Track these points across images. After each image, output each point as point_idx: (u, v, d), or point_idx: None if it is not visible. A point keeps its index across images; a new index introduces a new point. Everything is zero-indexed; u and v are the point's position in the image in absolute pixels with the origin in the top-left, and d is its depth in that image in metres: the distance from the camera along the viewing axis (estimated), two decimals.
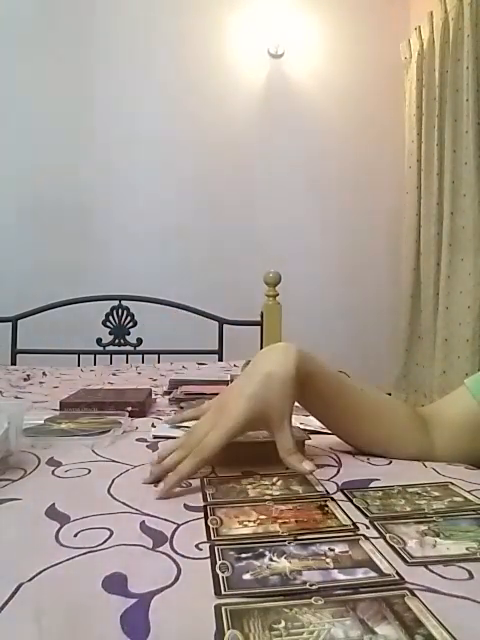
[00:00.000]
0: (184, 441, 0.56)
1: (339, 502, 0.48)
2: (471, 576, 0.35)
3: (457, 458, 0.61)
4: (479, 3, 2.45)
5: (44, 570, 0.35)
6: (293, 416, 0.55)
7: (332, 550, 0.38)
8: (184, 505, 0.47)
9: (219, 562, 0.36)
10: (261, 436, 0.65)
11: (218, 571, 0.35)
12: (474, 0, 2.45)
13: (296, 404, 0.58)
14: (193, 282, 2.79)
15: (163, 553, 0.38)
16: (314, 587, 0.33)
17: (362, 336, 3.03)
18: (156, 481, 0.53)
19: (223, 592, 0.33)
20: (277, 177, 2.99)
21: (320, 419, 0.66)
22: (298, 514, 0.45)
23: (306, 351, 0.59)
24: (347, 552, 0.38)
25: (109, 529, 0.42)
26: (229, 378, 1.29)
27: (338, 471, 0.57)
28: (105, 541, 0.40)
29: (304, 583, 0.33)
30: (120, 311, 2.17)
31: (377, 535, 0.41)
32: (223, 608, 0.30)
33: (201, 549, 0.39)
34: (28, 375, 1.51)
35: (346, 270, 3.06)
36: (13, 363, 2.04)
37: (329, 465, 0.59)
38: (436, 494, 0.49)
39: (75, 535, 0.41)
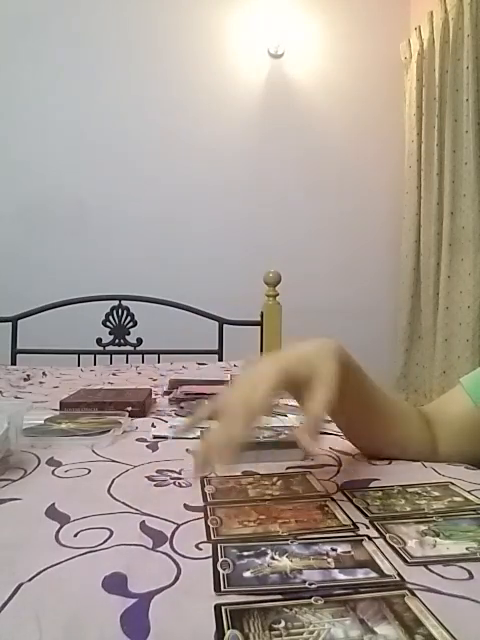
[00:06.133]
0: (224, 414, 0.47)
1: (339, 502, 0.48)
2: (471, 576, 0.35)
3: (457, 458, 0.60)
4: (479, 3, 2.45)
5: (44, 570, 0.35)
6: (292, 416, 0.54)
7: (334, 550, 0.38)
8: (184, 505, 0.47)
9: (221, 559, 0.36)
10: (261, 436, 0.65)
11: (219, 568, 0.35)
12: (474, 0, 2.45)
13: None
14: (193, 282, 2.79)
15: (163, 553, 0.38)
16: (313, 586, 0.33)
17: (362, 336, 3.03)
18: (205, 466, 0.47)
19: (223, 589, 0.33)
20: (277, 177, 2.99)
21: (339, 418, 0.60)
22: (298, 514, 0.45)
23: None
24: (349, 552, 0.38)
25: (109, 529, 0.42)
26: (229, 378, 1.29)
27: (338, 471, 0.57)
28: (105, 541, 0.40)
29: (304, 582, 0.33)
30: (120, 311, 2.17)
31: (377, 535, 0.41)
32: (223, 608, 0.30)
33: (201, 549, 0.39)
34: (28, 375, 1.51)
35: (346, 270, 3.05)
36: (13, 363, 2.04)
37: (329, 465, 0.59)
38: (436, 494, 0.49)
39: (75, 535, 0.41)
